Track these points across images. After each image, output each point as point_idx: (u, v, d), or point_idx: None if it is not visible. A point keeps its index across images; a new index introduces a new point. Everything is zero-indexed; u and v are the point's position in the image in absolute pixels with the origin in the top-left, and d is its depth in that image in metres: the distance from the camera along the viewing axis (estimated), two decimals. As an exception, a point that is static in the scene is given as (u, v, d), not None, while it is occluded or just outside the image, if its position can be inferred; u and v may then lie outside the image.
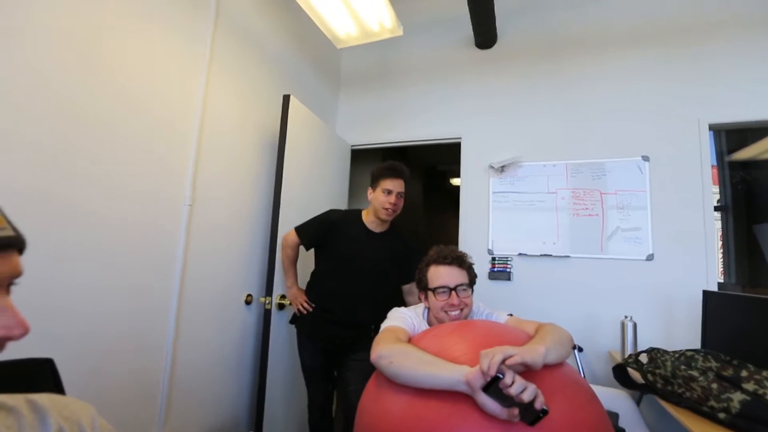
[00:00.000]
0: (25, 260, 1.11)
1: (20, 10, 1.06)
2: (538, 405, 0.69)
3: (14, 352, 0.73)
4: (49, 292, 1.13)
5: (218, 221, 1.79)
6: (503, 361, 0.74)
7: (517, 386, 0.70)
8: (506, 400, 0.71)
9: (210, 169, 1.73)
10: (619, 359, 1.69)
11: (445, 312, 1.16)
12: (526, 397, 0.69)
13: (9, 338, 0.41)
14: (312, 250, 1.82)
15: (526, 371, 0.78)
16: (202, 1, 1.69)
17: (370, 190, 1.71)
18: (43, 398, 0.48)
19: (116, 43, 1.32)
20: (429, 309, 1.24)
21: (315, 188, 2.30)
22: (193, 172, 1.63)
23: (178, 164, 1.58)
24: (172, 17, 1.53)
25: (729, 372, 1.20)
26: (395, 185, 1.65)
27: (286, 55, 2.32)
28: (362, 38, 2.01)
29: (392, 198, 1.64)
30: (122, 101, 1.34)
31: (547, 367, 0.83)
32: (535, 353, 0.79)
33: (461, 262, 1.22)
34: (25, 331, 0.41)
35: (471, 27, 2.46)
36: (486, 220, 2.44)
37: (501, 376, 0.71)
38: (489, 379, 0.72)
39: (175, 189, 1.56)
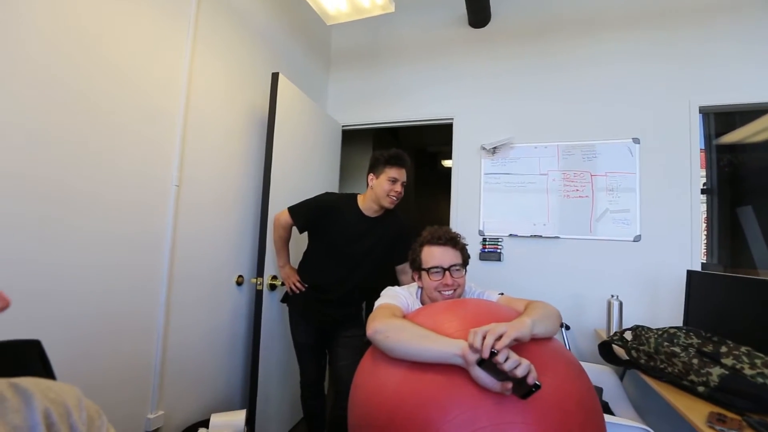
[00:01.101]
0: (13, 243, 1.09)
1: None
2: (531, 380, 0.70)
3: (1, 335, 0.72)
4: (37, 275, 1.11)
5: (207, 202, 1.76)
6: (495, 341, 0.75)
7: (511, 362, 0.72)
8: (500, 374, 0.72)
9: (198, 148, 1.69)
10: (604, 337, 1.74)
11: (439, 292, 1.17)
12: (520, 372, 0.71)
13: None
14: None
15: (517, 344, 0.80)
16: (186, -28, 1.61)
17: (371, 176, 1.69)
18: (27, 381, 0.47)
19: (99, 21, 1.26)
20: (422, 289, 1.25)
21: (305, 168, 2.27)
22: (180, 151, 1.59)
23: (165, 144, 1.53)
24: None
25: (709, 348, 1.24)
26: (400, 174, 1.64)
27: (275, 31, 2.25)
28: (353, 14, 1.95)
29: (397, 187, 1.64)
30: (106, 80, 1.29)
31: (537, 342, 0.86)
32: (522, 326, 0.82)
33: (455, 242, 1.23)
34: (6, 305, 0.43)
35: (464, 5, 2.40)
36: (477, 202, 2.45)
37: (495, 351, 0.73)
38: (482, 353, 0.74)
39: (161, 169, 1.52)
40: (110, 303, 1.32)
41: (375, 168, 1.68)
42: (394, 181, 1.63)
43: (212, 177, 1.79)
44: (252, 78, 2.04)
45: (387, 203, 1.66)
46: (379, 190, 1.65)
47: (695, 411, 1.09)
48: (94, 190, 1.26)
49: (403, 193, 1.68)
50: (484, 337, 0.75)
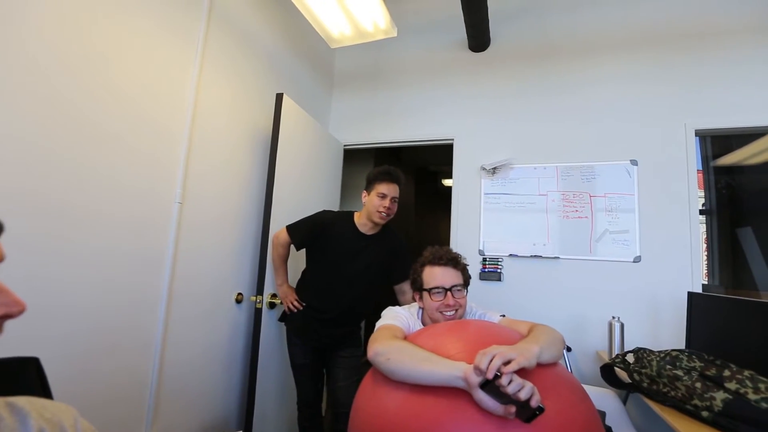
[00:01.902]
0: (13, 259, 1.09)
1: (15, 7, 1.04)
2: (534, 403, 0.70)
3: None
4: (37, 291, 1.11)
5: (209, 219, 1.77)
6: (503, 365, 0.75)
7: (515, 385, 0.71)
8: (503, 397, 0.72)
9: (201, 167, 1.72)
10: (606, 359, 1.72)
11: (441, 312, 1.17)
12: (523, 395, 0.70)
13: (8, 316, 0.44)
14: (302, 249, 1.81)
15: (521, 369, 0.79)
16: (195, -3, 1.67)
17: (365, 193, 1.71)
18: (22, 400, 0.47)
19: (107, 38, 1.30)
20: (423, 309, 1.24)
21: (307, 187, 2.29)
22: (184, 169, 1.61)
23: (169, 161, 1.56)
24: (164, 13, 1.51)
25: (712, 371, 1.23)
26: (390, 189, 1.65)
27: (280, 53, 2.31)
28: (356, 38, 2.01)
29: (386, 202, 1.64)
30: (113, 98, 1.32)
31: (541, 366, 0.84)
32: (530, 354, 0.80)
33: (456, 263, 1.23)
34: (22, 309, 0.45)
35: (465, 30, 2.47)
36: (477, 221, 2.46)
37: (499, 374, 0.72)
38: (487, 376, 0.73)
39: (165, 186, 1.54)
40: (109, 319, 1.32)
41: (368, 185, 1.71)
42: (383, 196, 1.65)
43: (215, 195, 1.81)
44: (256, 98, 2.09)
45: (377, 218, 1.67)
46: (370, 206, 1.67)
47: (700, 437, 1.07)
48: (96, 206, 1.28)
49: (394, 209, 1.68)
50: (491, 360, 0.75)
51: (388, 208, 1.65)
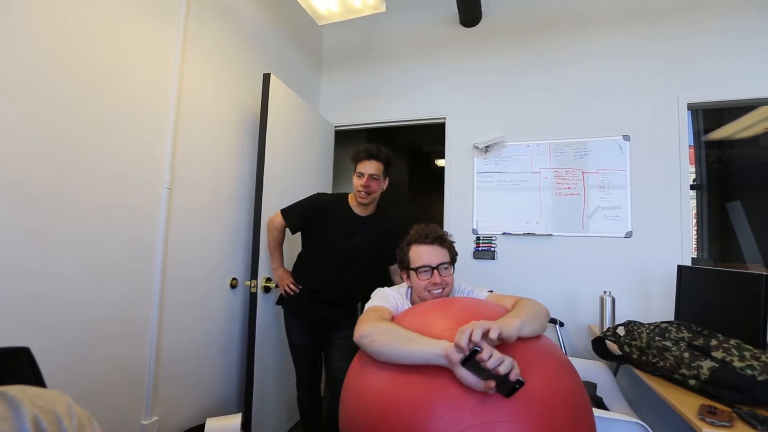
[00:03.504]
0: (2, 247, 1.08)
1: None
2: (513, 377, 0.71)
3: (-12, 341, 0.71)
4: (27, 280, 1.09)
5: (199, 204, 1.75)
6: (482, 335, 0.75)
7: (494, 360, 0.72)
8: (483, 373, 0.73)
9: (189, 151, 1.68)
10: (598, 333, 1.75)
11: (428, 291, 1.17)
12: (503, 369, 0.71)
13: None
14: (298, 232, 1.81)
15: (502, 344, 0.80)
16: (174, -27, 1.60)
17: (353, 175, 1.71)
18: (14, 389, 0.46)
19: (87, 19, 1.24)
20: (412, 288, 1.25)
21: (299, 170, 2.27)
22: (171, 154, 1.57)
23: (156, 146, 1.52)
24: (141, -10, 1.45)
25: (700, 341, 1.26)
26: (366, 167, 1.63)
27: (266, 32, 2.24)
28: (344, 14, 1.94)
29: (363, 180, 1.63)
30: (95, 82, 1.28)
31: (522, 340, 0.85)
32: (510, 327, 0.81)
33: (442, 240, 1.22)
34: None
35: (455, 4, 2.41)
36: (470, 200, 2.45)
37: (479, 349, 0.73)
38: (467, 352, 0.74)
39: (152, 172, 1.50)
40: (102, 308, 1.31)
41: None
42: (360, 175, 1.64)
43: (204, 179, 1.78)
44: (243, 79, 2.03)
45: (359, 198, 1.66)
46: (354, 186, 1.66)
47: (687, 404, 1.10)
48: (84, 193, 1.25)
49: (374, 187, 1.65)
50: (470, 335, 0.75)
51: (366, 186, 1.63)
